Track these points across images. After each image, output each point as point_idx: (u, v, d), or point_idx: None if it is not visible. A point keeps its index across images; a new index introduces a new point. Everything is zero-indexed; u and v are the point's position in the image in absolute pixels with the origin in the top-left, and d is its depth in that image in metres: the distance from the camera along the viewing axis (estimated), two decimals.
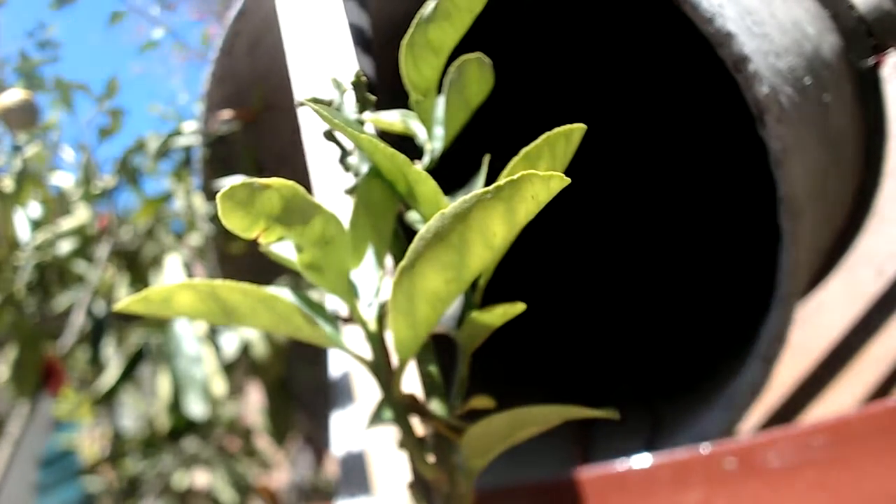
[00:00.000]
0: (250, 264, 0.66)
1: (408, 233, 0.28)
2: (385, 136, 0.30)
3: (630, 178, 0.99)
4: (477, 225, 0.19)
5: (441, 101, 0.29)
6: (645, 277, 0.94)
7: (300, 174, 0.44)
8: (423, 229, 0.19)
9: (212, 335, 0.73)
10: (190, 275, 0.78)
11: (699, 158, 0.93)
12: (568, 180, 0.18)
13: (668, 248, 0.94)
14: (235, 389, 0.96)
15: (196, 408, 0.67)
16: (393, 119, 0.30)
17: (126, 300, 0.21)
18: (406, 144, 0.30)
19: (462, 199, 0.18)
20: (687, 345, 0.77)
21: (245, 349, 0.72)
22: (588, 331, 0.90)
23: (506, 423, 0.23)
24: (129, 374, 0.76)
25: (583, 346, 0.88)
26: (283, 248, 0.27)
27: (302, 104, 0.25)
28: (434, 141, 0.29)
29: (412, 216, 0.30)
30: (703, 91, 0.88)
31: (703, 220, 0.92)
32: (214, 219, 0.66)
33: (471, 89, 0.28)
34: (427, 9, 0.25)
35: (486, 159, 0.28)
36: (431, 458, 0.26)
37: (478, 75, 0.28)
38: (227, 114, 0.64)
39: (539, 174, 0.18)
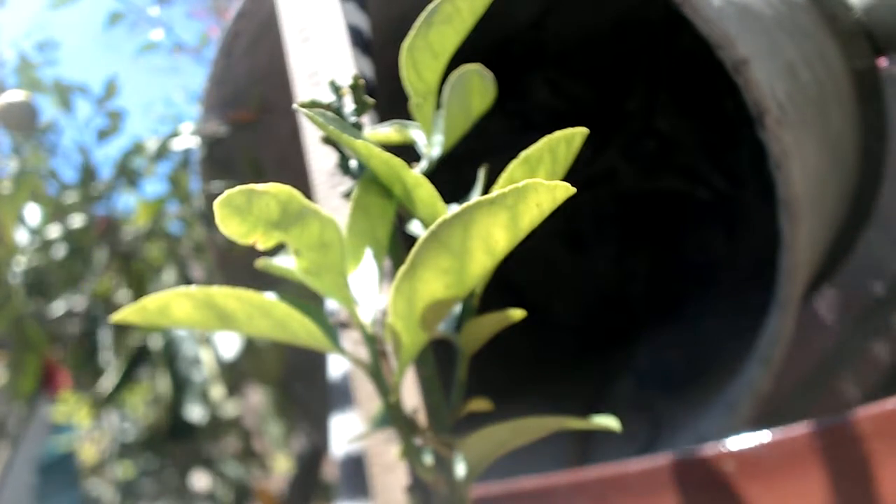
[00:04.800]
0: (249, 266, 0.66)
1: (406, 238, 0.28)
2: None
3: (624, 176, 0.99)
4: (479, 232, 0.19)
5: (442, 110, 0.29)
6: (645, 275, 0.94)
7: (301, 176, 0.44)
8: (424, 234, 0.19)
9: (211, 337, 0.73)
10: (188, 278, 0.78)
11: (701, 159, 0.93)
12: (573, 190, 0.18)
13: (670, 244, 0.94)
14: (235, 391, 0.96)
15: (195, 410, 0.67)
16: (388, 131, 0.30)
17: (123, 311, 0.21)
18: (407, 147, 0.30)
19: (465, 204, 0.18)
20: (688, 345, 0.77)
21: (244, 351, 0.72)
22: (588, 328, 0.90)
23: (505, 433, 0.23)
24: (129, 376, 0.76)
25: (583, 344, 0.88)
26: (282, 261, 0.27)
27: (299, 108, 0.24)
28: (433, 146, 0.28)
29: (412, 227, 0.30)
30: (705, 91, 0.88)
31: (707, 216, 0.92)
32: (212, 221, 0.66)
33: (472, 100, 0.28)
34: (427, 12, 0.25)
35: (484, 168, 0.28)
36: (430, 462, 0.25)
37: (480, 87, 0.28)
38: (225, 115, 0.64)
39: (545, 183, 0.18)
